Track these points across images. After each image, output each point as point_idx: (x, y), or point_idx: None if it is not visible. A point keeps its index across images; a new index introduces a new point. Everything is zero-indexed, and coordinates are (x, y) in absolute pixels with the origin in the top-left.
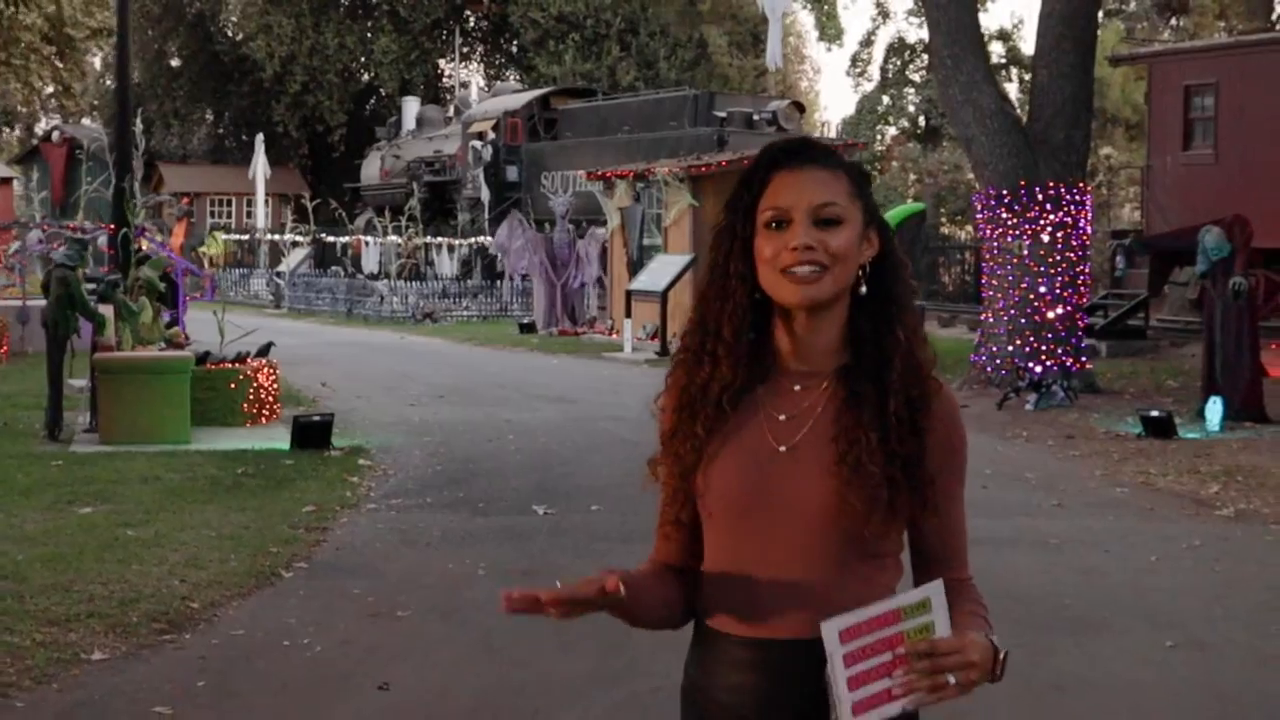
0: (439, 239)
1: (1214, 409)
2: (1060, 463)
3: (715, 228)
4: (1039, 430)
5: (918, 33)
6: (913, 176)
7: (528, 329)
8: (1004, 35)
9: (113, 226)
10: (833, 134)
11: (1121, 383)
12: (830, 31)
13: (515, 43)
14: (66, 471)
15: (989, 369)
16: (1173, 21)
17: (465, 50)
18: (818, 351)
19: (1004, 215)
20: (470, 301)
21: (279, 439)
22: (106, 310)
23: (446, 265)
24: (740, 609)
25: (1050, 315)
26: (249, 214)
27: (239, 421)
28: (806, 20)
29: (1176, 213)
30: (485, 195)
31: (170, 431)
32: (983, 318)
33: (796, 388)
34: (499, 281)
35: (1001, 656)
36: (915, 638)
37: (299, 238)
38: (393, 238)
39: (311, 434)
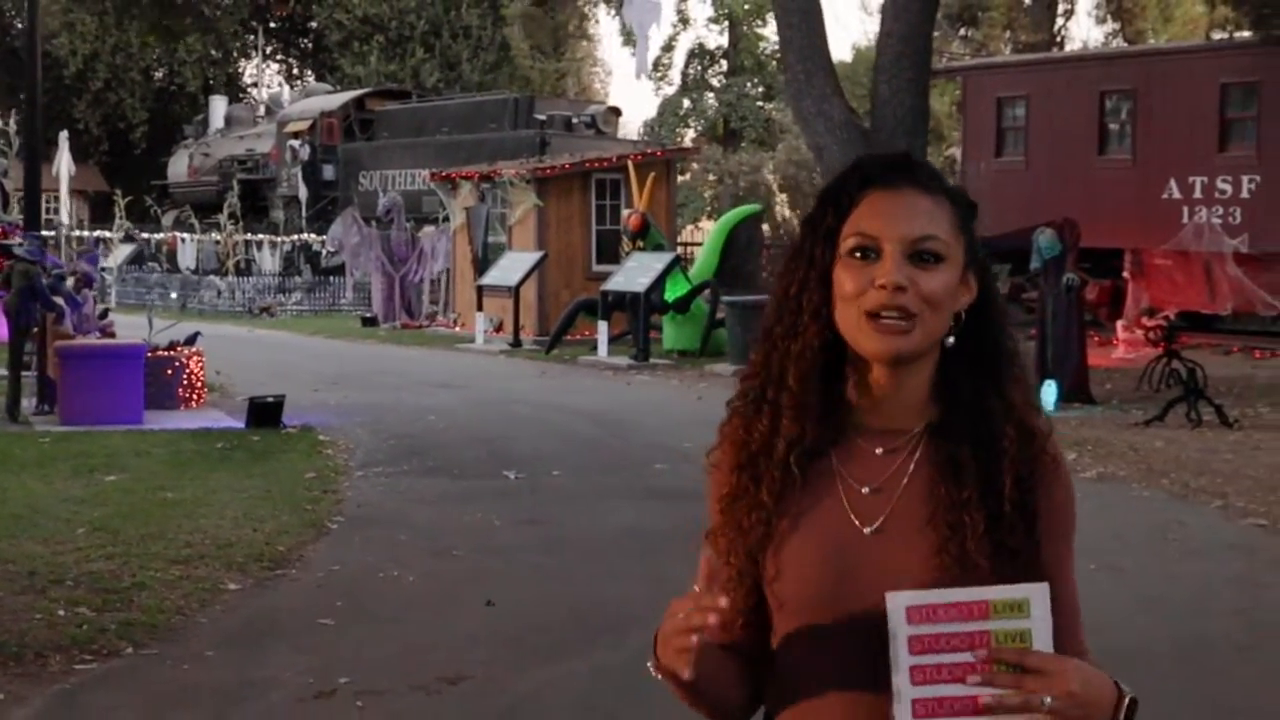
0: (260, 236)
1: (1049, 392)
2: None
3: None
4: None
5: (717, 39)
6: (712, 177)
7: (370, 322)
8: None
9: None
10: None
11: None
12: (632, 36)
13: (319, 44)
14: (60, 447)
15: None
16: (963, 32)
17: (269, 50)
18: (901, 407)
19: None
20: (303, 296)
21: (225, 420)
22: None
23: (268, 262)
24: (811, 716)
25: None
26: (53, 210)
27: (174, 405)
28: (605, 27)
29: (990, 215)
30: (303, 194)
31: (125, 412)
32: None
33: (878, 450)
34: (331, 277)
35: (1126, 701)
36: (1005, 643)
37: (110, 234)
38: (213, 235)
39: (266, 414)
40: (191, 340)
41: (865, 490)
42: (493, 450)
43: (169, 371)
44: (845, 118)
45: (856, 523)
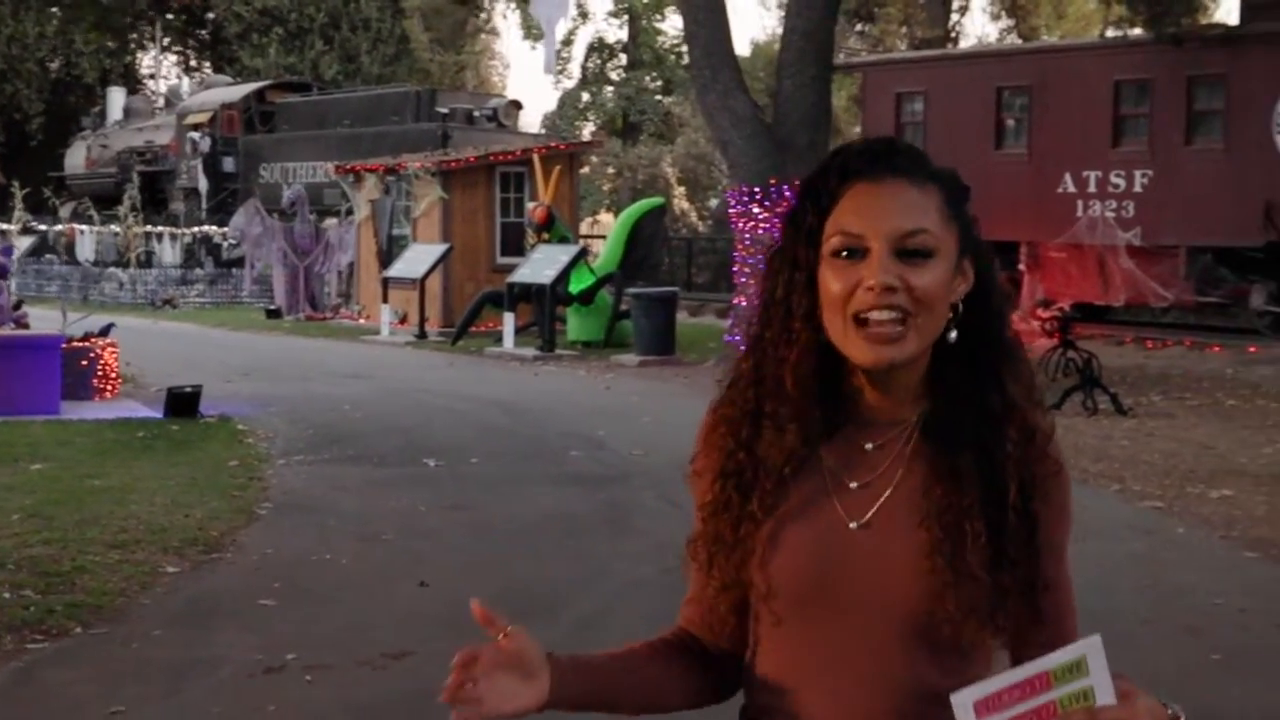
0: (160, 228)
1: None
2: None
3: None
4: None
5: (617, 33)
6: (611, 170)
7: (274, 314)
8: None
9: None
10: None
11: None
12: (534, 31)
13: (217, 35)
14: None
15: (743, 346)
16: (860, 28)
17: (166, 41)
18: (893, 400)
19: (756, 210)
20: (205, 288)
21: (142, 410)
22: None
23: (169, 254)
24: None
25: None
26: None
27: (89, 396)
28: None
29: None
30: (204, 186)
31: (42, 403)
32: (736, 301)
33: (869, 445)
34: (233, 269)
35: (1181, 718)
36: (1070, 706)
37: (8, 226)
38: (113, 227)
39: (183, 403)
40: (105, 332)
41: (854, 485)
42: (410, 439)
43: (84, 363)
44: (750, 112)
45: (844, 517)
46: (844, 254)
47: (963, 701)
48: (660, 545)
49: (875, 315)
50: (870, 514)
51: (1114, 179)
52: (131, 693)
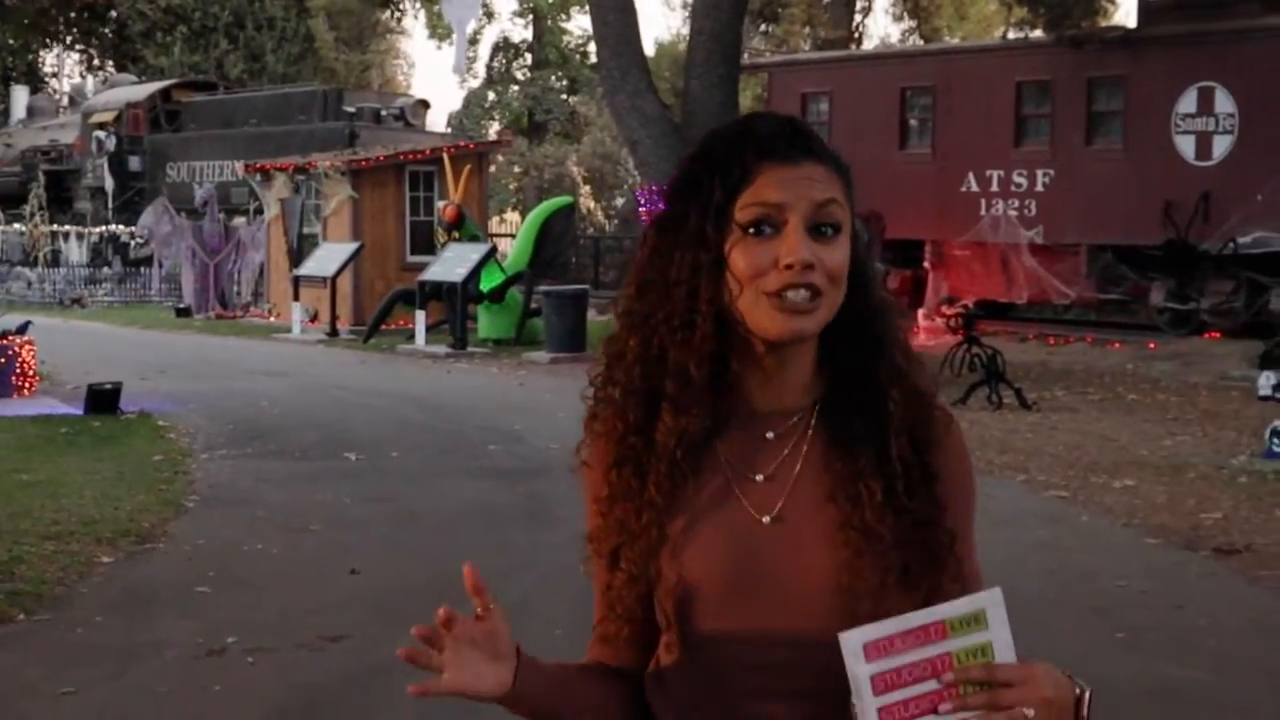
0: (66, 227)
1: None
2: None
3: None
4: None
5: (522, 33)
6: (517, 169)
7: (184, 313)
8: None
9: None
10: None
11: None
12: (440, 30)
13: (121, 33)
14: None
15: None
16: (764, 28)
17: (70, 40)
18: (788, 386)
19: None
20: (114, 287)
21: (62, 406)
22: None
23: (75, 253)
24: None
25: None
26: None
27: (8, 393)
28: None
29: None
30: (110, 185)
31: None
32: None
33: (769, 435)
34: (141, 268)
35: (1087, 695)
36: (967, 661)
37: None
38: (18, 226)
39: (104, 400)
40: (23, 329)
41: (759, 478)
42: (330, 434)
43: (2, 360)
44: (658, 113)
45: (754, 513)
46: (756, 229)
47: (852, 642)
48: (581, 535)
49: (791, 295)
50: (779, 506)
51: (1016, 178)
52: (80, 675)
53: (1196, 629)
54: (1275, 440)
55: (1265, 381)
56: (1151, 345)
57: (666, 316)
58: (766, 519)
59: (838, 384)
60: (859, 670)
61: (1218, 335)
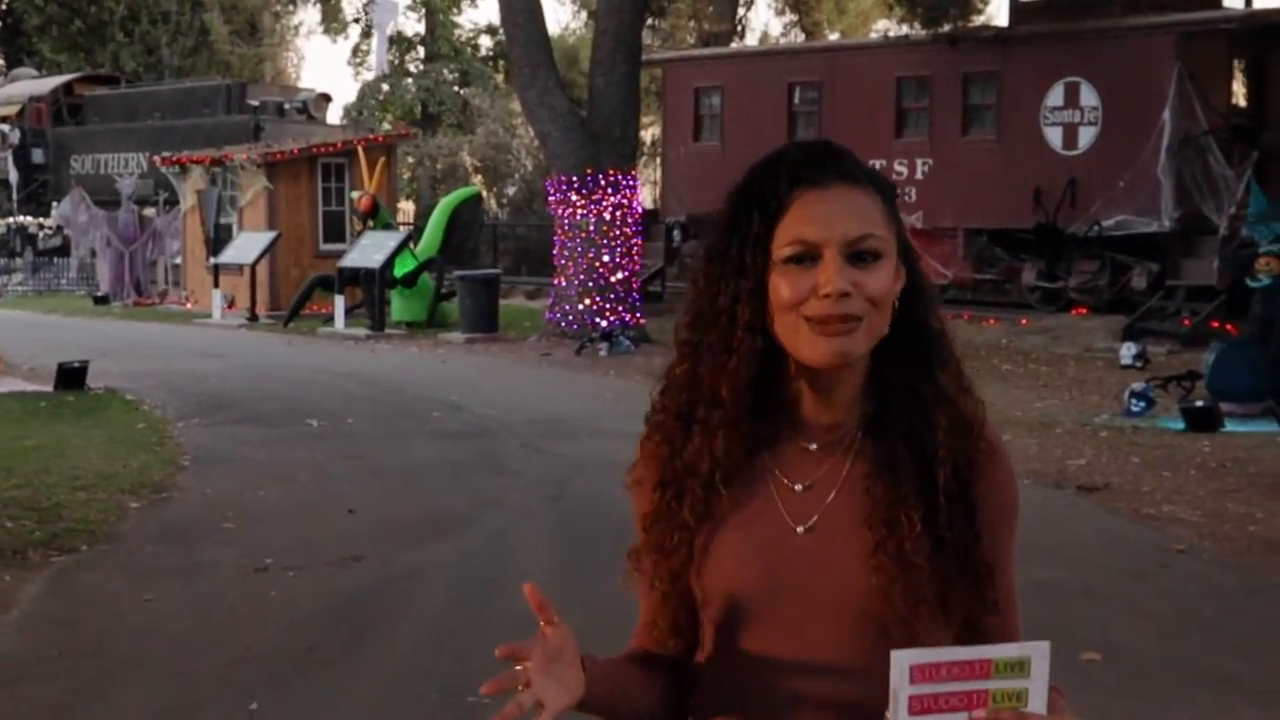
0: None
1: None
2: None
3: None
4: (621, 369)
5: (415, 26)
6: (411, 159)
7: (102, 301)
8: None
9: None
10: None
11: (667, 336)
12: (335, 25)
13: (16, 27)
14: None
15: (563, 324)
16: (651, 22)
17: None
18: (837, 402)
19: (574, 198)
20: (26, 276)
21: (29, 385)
22: None
23: None
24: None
25: (613, 279)
26: None
27: None
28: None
29: (689, 195)
30: (14, 177)
31: None
32: (556, 282)
33: (812, 447)
34: (55, 258)
35: None
36: (1003, 703)
37: None
38: None
39: (73, 377)
40: None
41: (798, 488)
42: (287, 404)
43: None
44: (567, 108)
45: (789, 521)
46: (795, 260)
47: (901, 661)
48: (536, 482)
49: (830, 321)
50: (815, 518)
51: (898, 167)
52: (155, 587)
53: (1064, 544)
54: (1133, 400)
55: (1126, 352)
56: (1024, 321)
57: (710, 344)
58: (801, 529)
59: (884, 402)
60: (901, 689)
61: (1084, 311)
